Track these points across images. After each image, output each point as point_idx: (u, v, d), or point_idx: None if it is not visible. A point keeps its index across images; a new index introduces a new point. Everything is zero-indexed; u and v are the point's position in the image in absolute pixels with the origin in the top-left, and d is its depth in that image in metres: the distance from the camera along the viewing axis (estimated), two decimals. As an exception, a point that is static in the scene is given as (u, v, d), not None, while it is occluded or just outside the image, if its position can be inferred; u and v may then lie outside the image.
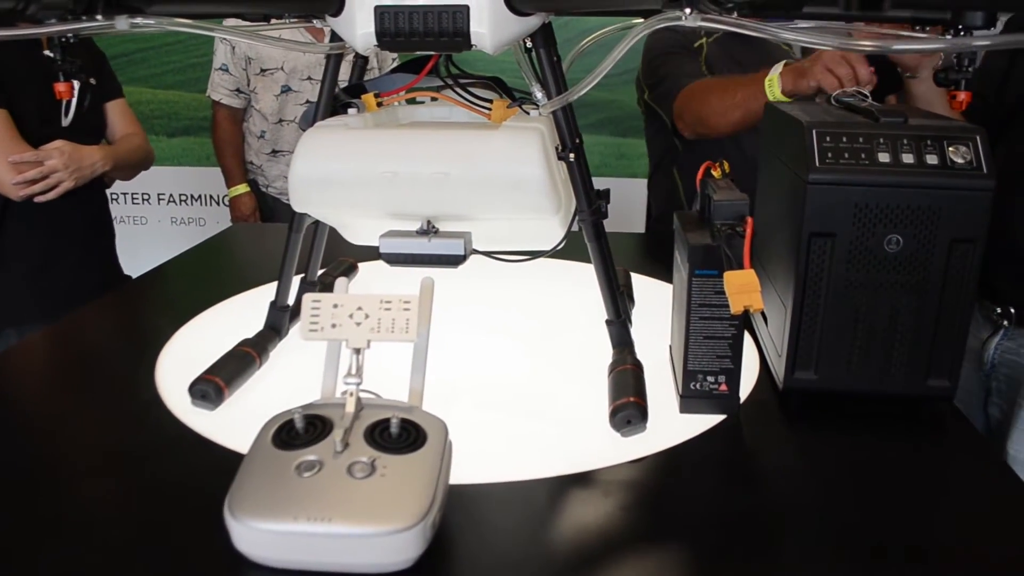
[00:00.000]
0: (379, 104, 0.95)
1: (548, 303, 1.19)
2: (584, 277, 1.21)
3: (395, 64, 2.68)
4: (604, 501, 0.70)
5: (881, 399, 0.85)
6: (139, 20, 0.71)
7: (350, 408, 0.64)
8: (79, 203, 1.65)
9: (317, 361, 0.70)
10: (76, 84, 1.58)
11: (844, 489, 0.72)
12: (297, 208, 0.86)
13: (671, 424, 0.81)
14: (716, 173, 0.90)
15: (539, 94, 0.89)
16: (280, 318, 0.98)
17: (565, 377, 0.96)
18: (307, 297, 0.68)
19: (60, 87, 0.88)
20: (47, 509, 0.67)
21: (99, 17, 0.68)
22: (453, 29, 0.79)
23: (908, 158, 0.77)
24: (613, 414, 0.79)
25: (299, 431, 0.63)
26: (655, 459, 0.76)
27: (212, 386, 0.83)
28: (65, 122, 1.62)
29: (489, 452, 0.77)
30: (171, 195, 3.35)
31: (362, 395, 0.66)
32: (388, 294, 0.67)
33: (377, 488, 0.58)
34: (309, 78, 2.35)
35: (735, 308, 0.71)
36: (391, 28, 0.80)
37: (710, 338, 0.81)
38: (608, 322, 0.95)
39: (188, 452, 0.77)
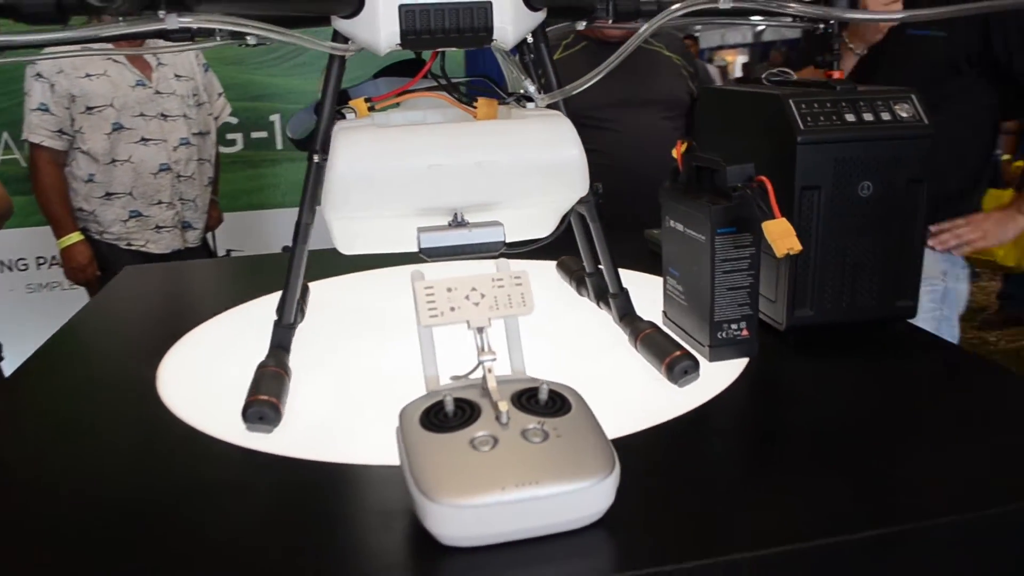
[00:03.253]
0: (371, 108, 0.95)
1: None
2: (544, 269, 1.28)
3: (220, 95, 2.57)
4: (701, 439, 0.76)
5: (859, 324, 0.99)
6: (188, 18, 0.68)
7: (492, 383, 0.65)
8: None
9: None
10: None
11: (854, 401, 0.85)
12: (334, 213, 0.84)
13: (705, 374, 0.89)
14: (682, 149, 1.01)
15: (532, 88, 0.94)
16: (288, 336, 0.94)
17: (575, 355, 1.01)
18: (419, 284, 0.68)
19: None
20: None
21: (161, 13, 0.64)
22: (478, 25, 0.83)
23: (868, 116, 0.92)
24: (670, 368, 0.86)
25: (448, 413, 0.63)
26: (715, 401, 0.84)
27: (269, 406, 0.79)
28: None
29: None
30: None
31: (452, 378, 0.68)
32: (500, 273, 0.69)
33: (562, 448, 0.60)
34: (142, 114, 2.21)
35: (779, 252, 0.80)
36: (416, 26, 0.81)
37: (732, 289, 0.90)
38: (612, 295, 1.01)
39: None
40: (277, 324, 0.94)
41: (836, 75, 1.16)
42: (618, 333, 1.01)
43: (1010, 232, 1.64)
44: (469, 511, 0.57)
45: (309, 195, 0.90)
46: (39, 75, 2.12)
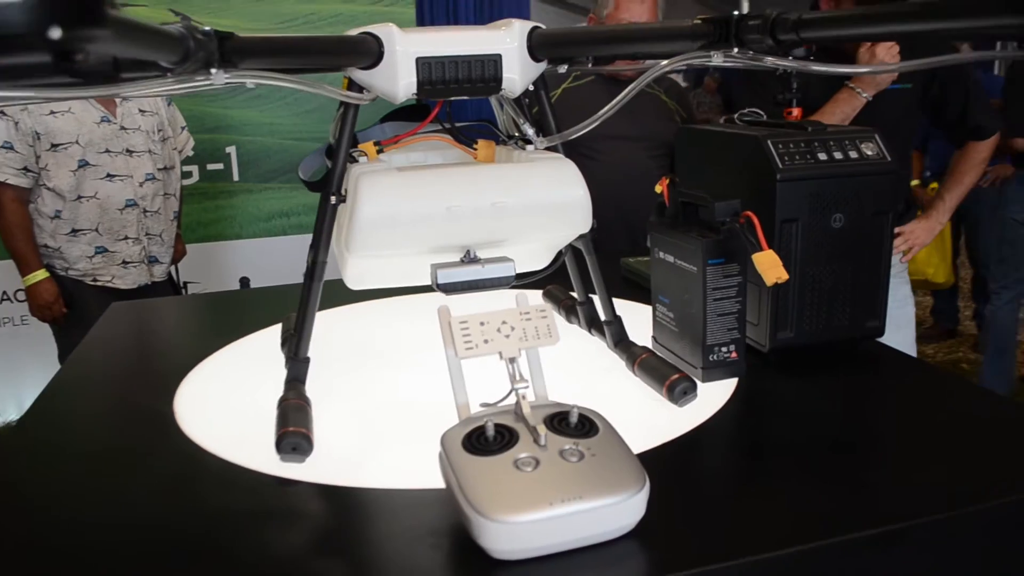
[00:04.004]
0: (379, 152, 1.01)
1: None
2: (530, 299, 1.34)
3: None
4: (708, 453, 0.83)
5: (833, 344, 1.07)
6: (233, 74, 0.72)
7: (527, 409, 0.71)
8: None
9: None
10: None
11: (836, 412, 0.93)
12: (357, 252, 0.88)
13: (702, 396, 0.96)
14: (666, 184, 1.09)
15: (531, 131, 1.01)
16: (304, 370, 0.98)
17: (576, 379, 1.07)
18: (453, 320, 0.74)
19: None
20: None
21: (213, 71, 0.69)
22: (488, 76, 0.89)
23: (838, 155, 1.01)
24: (671, 389, 0.92)
25: (489, 438, 0.69)
26: (714, 419, 0.91)
27: (302, 437, 0.83)
28: None
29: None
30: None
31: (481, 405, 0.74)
32: (523, 306, 0.75)
33: (598, 466, 0.66)
34: (107, 150, 2.21)
35: (769, 281, 0.88)
36: (432, 77, 0.88)
37: (722, 315, 0.98)
38: (607, 322, 1.08)
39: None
40: (293, 359, 0.98)
41: (796, 112, 1.26)
42: (612, 358, 1.07)
43: (936, 232, 2.01)
44: (521, 526, 0.62)
45: (324, 235, 0.94)
46: (2, 113, 2.11)
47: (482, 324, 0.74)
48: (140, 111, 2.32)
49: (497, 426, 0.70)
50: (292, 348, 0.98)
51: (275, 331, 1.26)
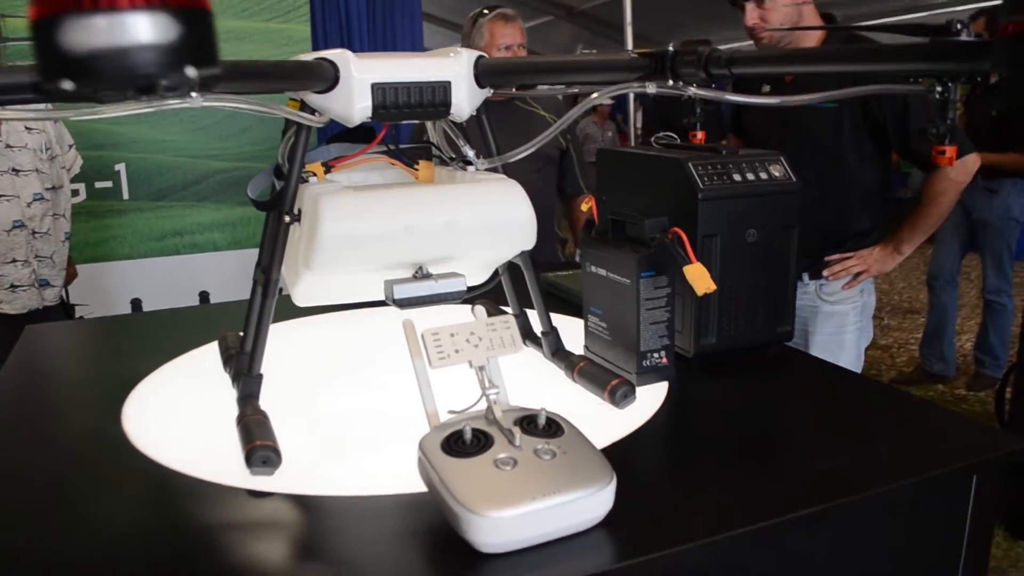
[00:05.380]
0: (327, 172, 1.04)
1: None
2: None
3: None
4: (653, 449, 0.91)
5: (750, 348, 1.18)
6: (210, 97, 0.74)
7: (499, 413, 0.76)
8: None
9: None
10: None
11: (756, 409, 1.04)
12: (317, 270, 0.91)
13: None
14: (591, 204, 1.17)
15: (471, 153, 1.06)
16: (256, 386, 0.99)
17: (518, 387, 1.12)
18: (426, 332, 0.78)
19: None
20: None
21: (194, 94, 0.71)
22: (439, 101, 0.94)
23: (751, 176, 1.12)
24: (612, 393, 0.99)
25: (467, 441, 0.73)
26: (655, 419, 0.99)
27: (271, 450, 0.84)
28: None
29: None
30: None
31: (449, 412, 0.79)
32: (493, 319, 0.81)
33: (570, 462, 0.72)
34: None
35: (700, 291, 0.97)
36: (386, 102, 0.92)
37: (654, 323, 1.06)
38: (544, 333, 1.15)
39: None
40: (246, 375, 0.99)
41: (700, 136, 1.37)
42: (549, 367, 1.14)
43: (890, 265, 1.91)
44: (508, 520, 0.67)
45: (278, 253, 0.96)
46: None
47: (452, 335, 0.79)
48: (27, 128, 2.22)
49: (473, 430, 0.75)
50: (244, 365, 0.99)
51: (209, 349, 1.25)
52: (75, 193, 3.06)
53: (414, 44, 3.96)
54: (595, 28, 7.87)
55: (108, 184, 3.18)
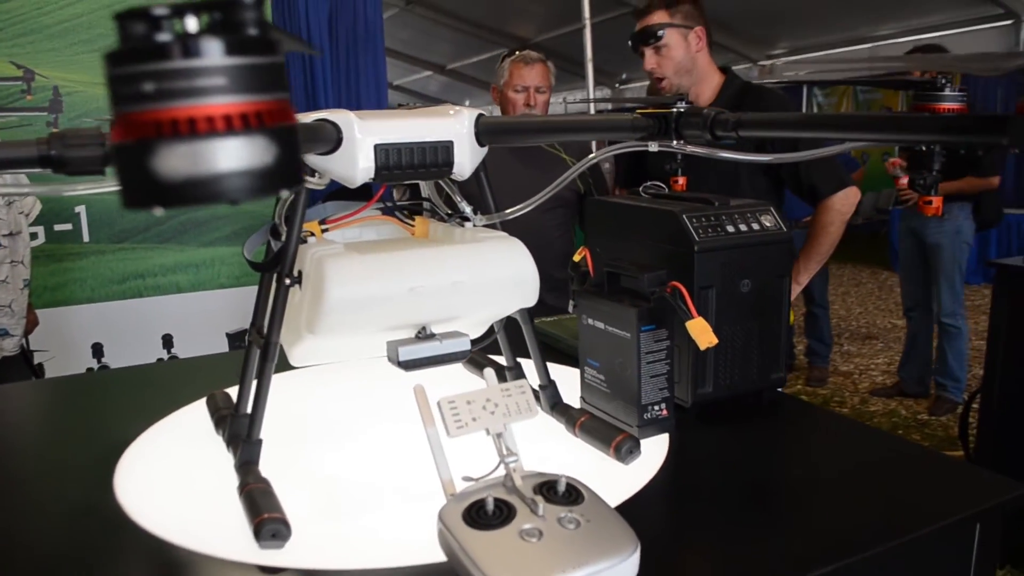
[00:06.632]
0: (324, 231, 1.03)
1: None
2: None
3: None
4: (666, 506, 0.90)
5: (745, 395, 1.19)
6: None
7: (519, 481, 0.75)
8: None
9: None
10: None
11: (757, 458, 1.04)
12: (316, 334, 0.89)
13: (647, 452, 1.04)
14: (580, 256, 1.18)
15: (468, 209, 1.06)
16: (256, 452, 0.96)
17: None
18: (442, 401, 0.77)
19: None
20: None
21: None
22: (441, 161, 0.94)
23: (743, 227, 1.14)
24: (617, 449, 0.99)
25: (489, 512, 0.72)
26: (660, 475, 0.99)
27: (281, 523, 0.82)
28: None
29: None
30: None
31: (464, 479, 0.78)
32: (507, 384, 0.80)
33: (594, 531, 0.72)
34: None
35: (702, 346, 0.98)
36: (389, 163, 0.91)
37: (654, 376, 1.06)
38: (542, 387, 1.14)
39: None
40: (245, 441, 0.96)
41: (681, 182, 1.40)
42: (549, 420, 1.13)
43: (791, 294, 2.01)
44: (539, 596, 0.66)
45: (278, 316, 0.94)
46: None
47: (468, 403, 0.78)
48: (-12, 173, 2.16)
49: (495, 500, 0.74)
50: (241, 429, 0.96)
51: (192, 409, 1.22)
52: (33, 236, 2.98)
53: (378, 80, 3.96)
54: (552, 60, 7.98)
55: (68, 227, 3.10)
